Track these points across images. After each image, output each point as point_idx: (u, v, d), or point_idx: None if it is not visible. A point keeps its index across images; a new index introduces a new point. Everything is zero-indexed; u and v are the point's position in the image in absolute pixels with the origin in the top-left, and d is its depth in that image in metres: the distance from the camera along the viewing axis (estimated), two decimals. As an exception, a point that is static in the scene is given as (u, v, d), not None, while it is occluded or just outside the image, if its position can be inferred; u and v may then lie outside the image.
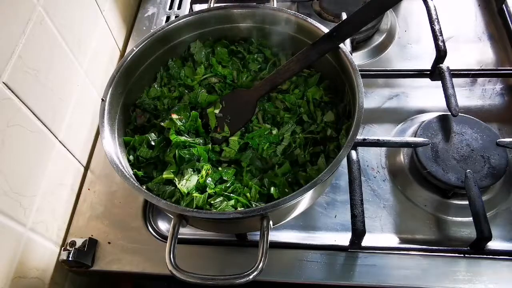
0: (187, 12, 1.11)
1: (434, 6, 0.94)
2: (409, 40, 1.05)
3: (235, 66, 0.85)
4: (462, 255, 0.71)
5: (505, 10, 1.04)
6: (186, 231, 0.77)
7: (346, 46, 0.81)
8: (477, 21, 1.08)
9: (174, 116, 0.77)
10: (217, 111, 0.78)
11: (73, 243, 0.73)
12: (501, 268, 0.69)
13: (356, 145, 0.78)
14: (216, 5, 0.84)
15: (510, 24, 1.02)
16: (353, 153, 0.75)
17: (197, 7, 1.13)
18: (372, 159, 0.86)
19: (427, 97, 0.93)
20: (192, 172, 0.71)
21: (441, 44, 0.88)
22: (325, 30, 0.75)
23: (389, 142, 0.80)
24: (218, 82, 0.83)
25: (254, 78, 0.84)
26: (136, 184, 0.62)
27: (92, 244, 0.75)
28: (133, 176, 0.67)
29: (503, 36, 1.03)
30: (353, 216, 0.69)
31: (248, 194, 0.69)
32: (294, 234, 0.77)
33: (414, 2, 1.12)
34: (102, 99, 0.70)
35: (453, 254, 0.71)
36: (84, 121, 0.87)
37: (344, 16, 0.94)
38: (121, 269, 0.74)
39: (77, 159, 0.84)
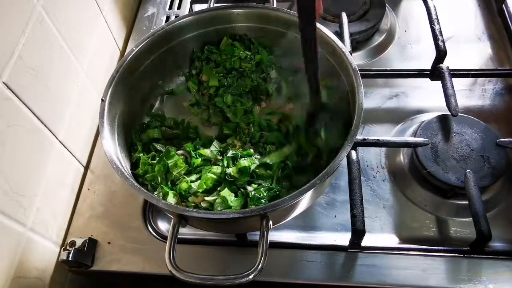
0: (187, 12, 1.11)
1: (434, 6, 0.94)
2: (409, 40, 1.05)
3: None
4: (462, 255, 0.71)
5: (505, 10, 1.04)
6: (186, 231, 0.77)
7: (346, 46, 0.81)
8: (477, 21, 1.07)
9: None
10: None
11: (73, 243, 0.73)
12: (501, 268, 0.69)
13: (356, 145, 0.78)
14: (216, 5, 0.85)
15: (510, 24, 1.01)
16: (353, 153, 0.75)
17: (197, 7, 1.13)
18: (372, 159, 0.86)
19: (427, 97, 0.93)
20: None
21: (441, 44, 0.88)
22: (325, 30, 0.75)
23: (389, 142, 0.80)
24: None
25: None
26: (136, 184, 0.62)
27: (92, 244, 0.75)
28: (133, 176, 0.67)
29: (503, 36, 1.02)
30: (353, 216, 0.69)
31: None
32: (294, 234, 0.77)
33: (414, 2, 1.11)
34: (102, 99, 0.70)
35: (453, 254, 0.71)
36: (84, 121, 0.87)
37: (344, 16, 0.94)
38: (120, 269, 0.74)
39: (77, 159, 0.84)
